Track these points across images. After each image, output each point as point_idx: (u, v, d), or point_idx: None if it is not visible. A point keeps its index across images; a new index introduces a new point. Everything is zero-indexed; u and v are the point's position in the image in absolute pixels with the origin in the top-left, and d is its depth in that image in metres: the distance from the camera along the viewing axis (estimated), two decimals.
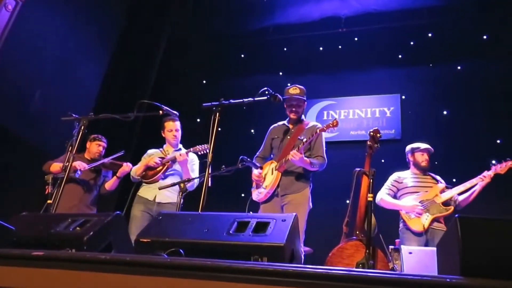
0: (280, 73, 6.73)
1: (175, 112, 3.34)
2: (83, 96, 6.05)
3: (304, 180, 3.55)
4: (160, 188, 3.83)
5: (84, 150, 4.41)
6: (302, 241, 3.35)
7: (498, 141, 5.34)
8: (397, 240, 3.91)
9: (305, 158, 3.41)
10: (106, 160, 4.24)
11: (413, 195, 3.75)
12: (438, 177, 3.91)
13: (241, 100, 3.04)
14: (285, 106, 3.72)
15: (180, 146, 4.28)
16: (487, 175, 3.60)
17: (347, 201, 3.22)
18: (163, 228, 1.91)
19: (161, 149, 4.28)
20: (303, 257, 2.71)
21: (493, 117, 5.45)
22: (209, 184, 3.17)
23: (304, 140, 3.43)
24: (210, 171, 2.83)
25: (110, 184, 4.40)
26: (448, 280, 1.09)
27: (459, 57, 5.95)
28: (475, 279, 1.10)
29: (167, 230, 1.87)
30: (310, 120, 6.45)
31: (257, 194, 3.62)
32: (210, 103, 2.95)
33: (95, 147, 4.38)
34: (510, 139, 5.15)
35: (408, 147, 4.05)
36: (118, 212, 2.04)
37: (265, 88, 3.07)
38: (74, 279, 1.40)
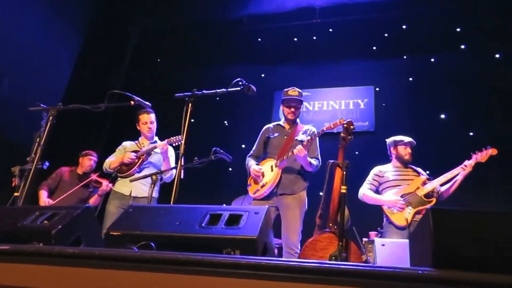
0: (254, 64, 6.68)
1: (147, 102, 3.26)
2: (52, 86, 5.88)
3: (302, 181, 3.58)
4: (131, 180, 3.77)
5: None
6: (299, 241, 3.36)
7: (471, 134, 5.49)
8: (370, 233, 3.96)
9: (308, 158, 3.47)
10: (93, 176, 4.57)
11: (395, 189, 3.75)
12: (419, 169, 3.92)
13: (214, 91, 2.99)
14: (282, 107, 3.77)
15: (156, 138, 4.24)
16: (468, 164, 3.61)
17: (321, 193, 3.23)
18: (134, 221, 1.87)
19: (136, 141, 4.23)
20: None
21: (465, 109, 5.59)
22: (182, 177, 3.13)
23: (308, 138, 3.49)
24: (182, 163, 2.77)
25: (93, 200, 4.63)
26: (420, 272, 1.10)
27: (432, 49, 6.06)
28: (447, 271, 1.11)
29: (138, 223, 1.83)
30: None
31: (256, 191, 3.59)
32: (182, 94, 2.89)
33: (87, 161, 4.80)
34: (482, 131, 5.30)
35: (391, 140, 4.03)
36: (87, 205, 1.99)
37: (239, 79, 3.03)
38: (42, 274, 1.36)
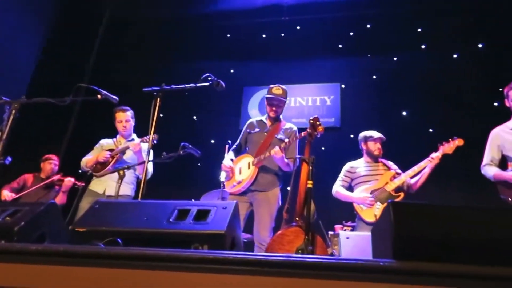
0: (223, 60, 6.65)
1: (114, 97, 3.18)
2: (15, 78, 5.64)
3: (277, 179, 3.60)
4: (97, 176, 3.69)
5: (37, 167, 4.78)
6: (270, 237, 3.35)
7: (431, 130, 5.70)
8: (336, 226, 4.04)
9: (285, 159, 3.47)
10: (55, 177, 4.55)
11: (365, 185, 3.80)
12: (390, 163, 3.98)
13: (183, 86, 2.97)
14: (266, 103, 3.77)
15: (134, 136, 4.17)
16: (435, 156, 3.66)
17: (288, 188, 3.28)
18: (100, 217, 1.84)
19: (114, 139, 4.17)
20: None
21: (425, 107, 5.79)
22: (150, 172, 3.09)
23: (286, 140, 3.49)
24: (150, 158, 2.74)
25: (58, 198, 4.53)
26: (381, 263, 1.15)
27: (395, 49, 6.24)
28: (406, 262, 1.16)
29: (105, 219, 1.81)
30: (253, 108, 6.60)
31: (232, 186, 3.59)
32: (151, 88, 2.85)
33: (48, 165, 4.78)
34: (441, 128, 5.51)
35: (361, 135, 4.07)
36: (52, 201, 1.94)
37: (207, 74, 3.02)
38: (3, 271, 1.32)
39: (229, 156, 3.74)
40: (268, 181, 3.53)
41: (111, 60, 6.52)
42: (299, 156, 3.04)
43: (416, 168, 3.72)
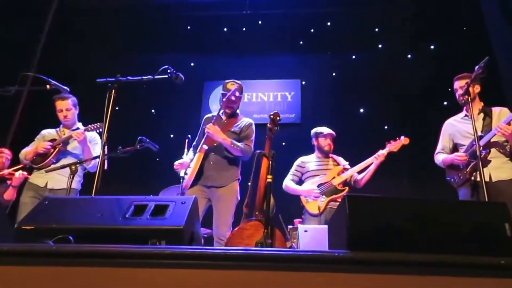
0: (183, 52, 6.54)
1: (65, 87, 3.05)
2: None
3: (232, 172, 3.55)
4: (47, 171, 3.52)
5: None
6: (229, 232, 3.30)
7: (386, 127, 5.90)
8: (295, 220, 4.11)
9: (224, 136, 3.41)
10: (5, 172, 4.18)
11: (314, 179, 3.92)
12: (340, 159, 4.11)
13: (140, 78, 2.88)
14: (222, 99, 3.72)
15: (79, 125, 3.96)
16: (381, 154, 3.85)
17: (249, 183, 3.28)
18: (49, 214, 1.76)
19: (57, 129, 3.95)
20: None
21: (381, 105, 5.99)
22: (105, 167, 2.99)
23: (233, 129, 3.48)
24: (106, 152, 2.65)
25: (7, 193, 4.16)
26: (336, 254, 1.18)
27: (353, 47, 6.39)
28: (360, 252, 1.20)
29: (54, 216, 1.73)
30: (214, 103, 6.55)
31: (186, 181, 3.53)
32: (105, 79, 2.75)
33: None
34: (396, 125, 5.72)
35: (313, 131, 4.18)
36: None
37: (166, 66, 2.96)
38: None
39: (189, 156, 3.68)
40: (222, 174, 3.50)
41: (63, 49, 6.22)
42: (259, 151, 3.05)
43: (362, 164, 3.90)
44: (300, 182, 4.06)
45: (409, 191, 5.36)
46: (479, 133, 3.15)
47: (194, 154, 3.61)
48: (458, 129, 3.46)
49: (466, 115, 3.44)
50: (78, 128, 3.87)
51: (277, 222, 3.41)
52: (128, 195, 1.85)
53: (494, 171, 3.11)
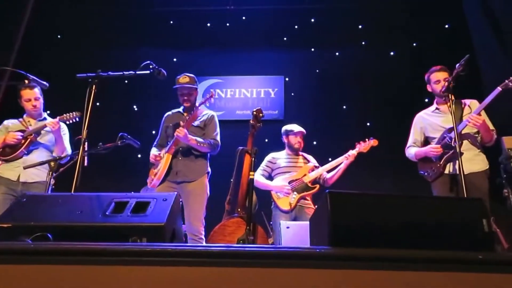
0: (167, 47, 6.47)
1: (44, 82, 2.97)
2: None
3: (201, 166, 3.55)
4: (25, 168, 3.42)
5: None
6: (203, 227, 3.36)
7: (368, 124, 5.96)
8: None
9: (191, 136, 3.41)
10: None
11: (285, 175, 3.94)
12: (310, 157, 4.16)
13: (121, 73, 2.84)
14: (178, 95, 3.70)
15: (45, 115, 3.85)
16: (351, 154, 3.91)
17: (232, 180, 3.28)
18: (27, 211, 1.73)
19: (20, 119, 3.79)
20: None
21: (364, 102, 6.04)
22: (85, 164, 2.94)
23: (187, 118, 3.45)
24: (86, 149, 2.60)
25: None
26: (318, 250, 1.18)
27: (337, 44, 6.41)
28: (341, 248, 1.21)
29: (33, 214, 1.70)
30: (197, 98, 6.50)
31: (151, 181, 3.52)
32: (85, 74, 2.70)
33: None
34: (378, 122, 5.78)
35: (283, 129, 4.20)
36: None
37: (148, 62, 2.92)
38: None
39: (152, 152, 3.65)
40: (191, 169, 3.50)
41: (41, 43, 6.06)
42: (241, 147, 3.05)
43: (333, 163, 3.95)
44: (269, 178, 4.06)
45: (390, 187, 5.43)
46: (451, 126, 3.19)
47: (159, 152, 3.59)
48: (429, 122, 3.50)
49: (437, 108, 3.50)
50: (45, 118, 3.78)
51: (259, 219, 3.43)
52: (109, 192, 1.83)
53: (466, 163, 3.06)
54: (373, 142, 3.95)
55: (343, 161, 3.90)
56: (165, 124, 3.77)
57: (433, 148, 3.28)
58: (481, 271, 1.13)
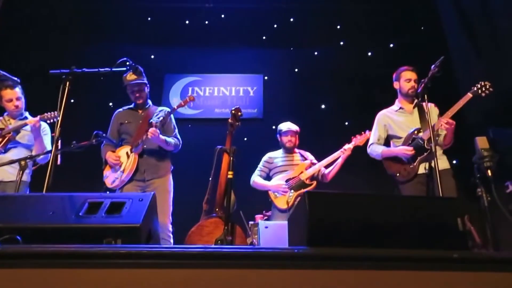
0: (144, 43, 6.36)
1: (15, 78, 2.88)
2: None
3: (167, 163, 3.59)
4: None
5: None
6: (170, 224, 3.41)
7: (347, 123, 6.01)
8: (257, 216, 4.12)
9: (162, 137, 3.43)
10: None
11: (282, 174, 3.94)
12: (307, 154, 4.15)
13: (97, 70, 2.78)
14: (128, 93, 3.68)
15: (26, 114, 3.77)
16: (347, 148, 3.89)
17: (210, 179, 3.25)
18: None
19: (1, 118, 3.72)
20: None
21: (342, 101, 6.10)
22: (58, 162, 2.86)
23: (161, 118, 3.47)
24: (59, 147, 2.53)
25: None
26: (296, 251, 1.18)
27: (316, 43, 6.44)
28: (319, 248, 1.21)
29: (1, 215, 1.63)
30: (175, 96, 6.43)
31: (113, 180, 3.47)
32: (59, 70, 2.62)
33: None
34: (356, 122, 5.83)
35: (278, 128, 4.20)
36: None
37: (124, 58, 2.87)
38: None
39: (107, 150, 3.58)
40: (158, 166, 3.53)
41: (12, 38, 5.86)
42: (220, 146, 3.02)
43: (330, 158, 3.94)
44: (267, 178, 4.07)
45: (366, 186, 5.48)
46: (417, 127, 3.34)
47: (111, 151, 3.54)
48: (394, 121, 3.56)
49: (401, 108, 3.57)
50: (26, 118, 3.69)
51: (238, 219, 3.41)
52: (83, 192, 1.78)
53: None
54: (368, 134, 3.89)
55: (340, 155, 3.89)
56: (118, 121, 3.70)
57: (408, 150, 3.29)
58: (456, 270, 1.15)
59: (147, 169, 3.46)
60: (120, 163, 3.46)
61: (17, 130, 3.58)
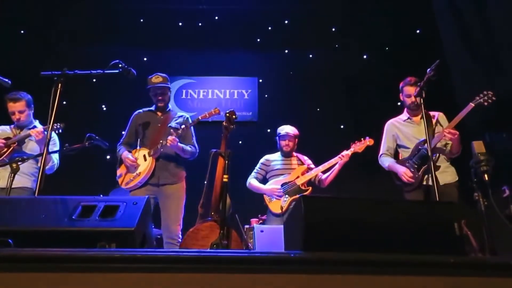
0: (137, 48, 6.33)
1: (6, 80, 2.84)
2: None
3: (181, 169, 3.59)
4: None
5: None
6: (181, 231, 3.39)
7: (342, 126, 6.03)
8: (252, 219, 4.10)
9: (180, 144, 3.44)
10: None
11: (278, 178, 3.92)
12: (304, 158, 4.12)
13: (89, 72, 2.76)
14: (151, 95, 3.69)
15: (36, 123, 3.76)
16: (345, 154, 3.84)
17: (205, 182, 3.23)
18: None
19: (11, 126, 3.73)
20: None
21: (337, 104, 6.11)
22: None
23: (183, 127, 3.48)
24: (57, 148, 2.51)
25: None
26: (291, 255, 1.17)
27: (310, 46, 6.45)
28: (314, 252, 1.20)
29: None
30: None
31: (128, 181, 3.46)
32: (50, 72, 2.60)
33: None
34: (351, 125, 5.85)
35: (277, 131, 4.17)
36: None
37: (117, 61, 2.85)
38: None
39: (124, 150, 3.58)
40: (173, 172, 3.52)
41: (3, 39, 5.80)
42: (215, 150, 3.00)
43: (326, 164, 3.91)
44: (264, 180, 4.05)
45: (364, 190, 5.48)
46: (424, 138, 3.24)
47: (129, 152, 3.54)
48: (402, 131, 3.57)
49: (409, 118, 3.57)
50: (35, 127, 3.69)
51: (233, 222, 3.39)
52: (76, 195, 1.76)
53: (440, 175, 3.21)
54: (368, 142, 3.88)
55: (338, 161, 3.85)
56: (137, 122, 3.70)
57: (409, 177, 3.31)
58: (453, 275, 1.15)
59: (161, 174, 3.46)
60: (137, 165, 3.46)
61: (22, 140, 3.59)
